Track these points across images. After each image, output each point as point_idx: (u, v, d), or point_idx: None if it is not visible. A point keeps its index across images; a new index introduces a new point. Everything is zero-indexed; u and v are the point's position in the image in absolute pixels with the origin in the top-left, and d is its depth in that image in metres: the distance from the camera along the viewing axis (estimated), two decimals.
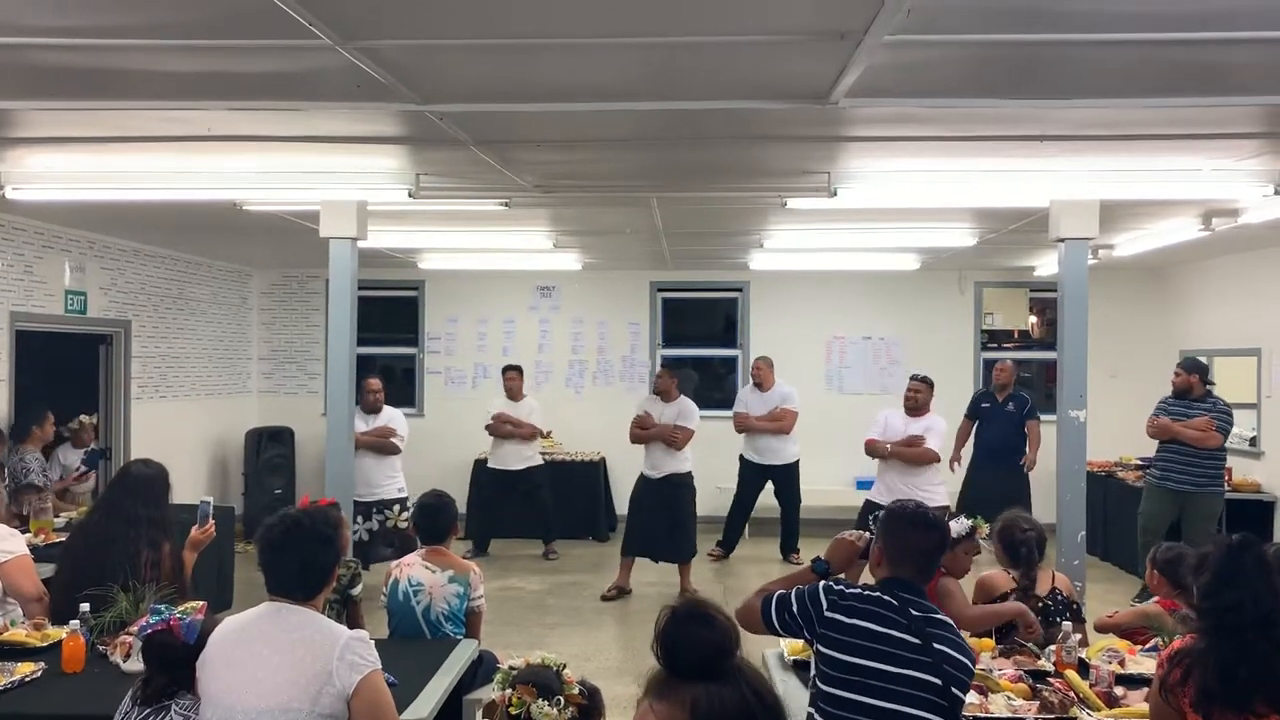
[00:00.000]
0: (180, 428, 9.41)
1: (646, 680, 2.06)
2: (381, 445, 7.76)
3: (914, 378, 7.39)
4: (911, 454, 7.08)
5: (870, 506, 7.12)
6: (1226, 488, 8.41)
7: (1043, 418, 8.45)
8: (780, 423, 8.98)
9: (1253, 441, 8.80)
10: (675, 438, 7.69)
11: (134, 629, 3.40)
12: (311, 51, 3.41)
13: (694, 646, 2.03)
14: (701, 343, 11.54)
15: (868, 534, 3.27)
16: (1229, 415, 7.51)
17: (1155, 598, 4.22)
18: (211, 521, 4.43)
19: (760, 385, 9.11)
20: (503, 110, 4.27)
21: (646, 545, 7.82)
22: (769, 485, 9.22)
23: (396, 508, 7.71)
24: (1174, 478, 7.44)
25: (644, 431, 7.82)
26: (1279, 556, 3.23)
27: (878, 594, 2.88)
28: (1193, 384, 7.52)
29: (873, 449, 7.22)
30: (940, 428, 7.24)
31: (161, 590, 3.80)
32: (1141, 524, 7.65)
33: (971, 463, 8.82)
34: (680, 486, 7.78)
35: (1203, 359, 9.81)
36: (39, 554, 5.19)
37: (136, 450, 8.12)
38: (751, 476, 9.20)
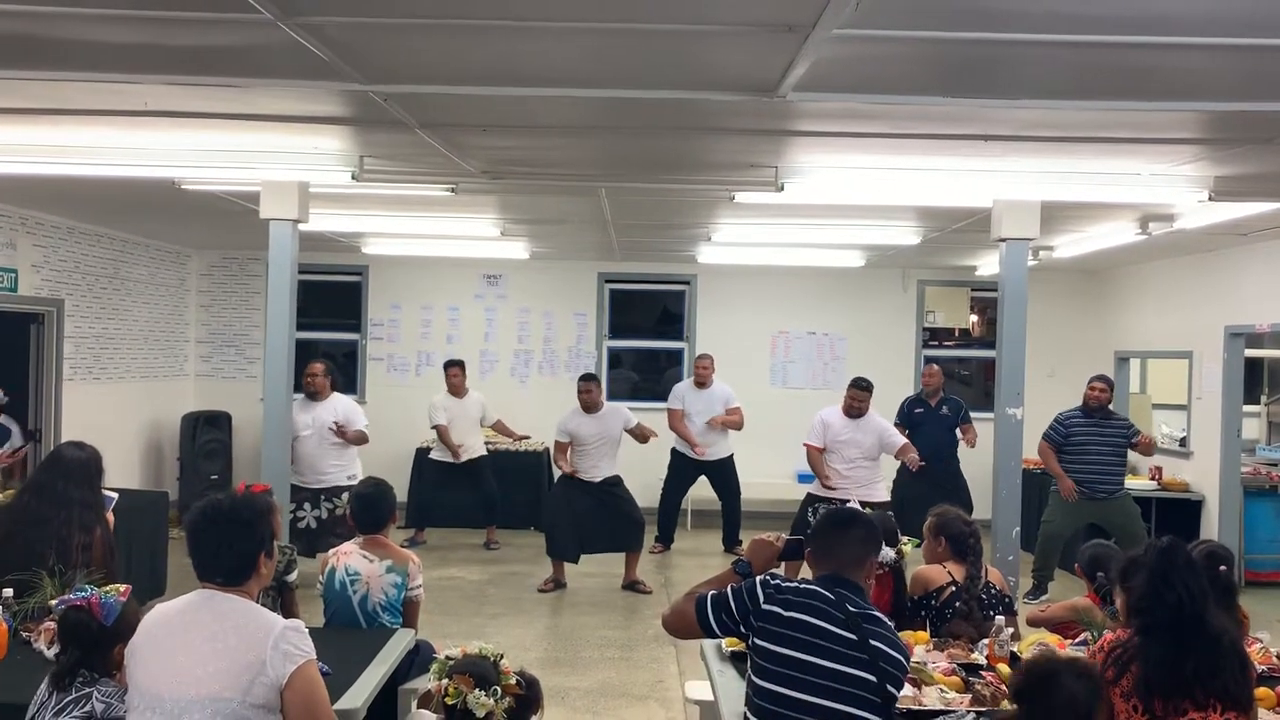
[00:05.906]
0: (114, 411, 9.17)
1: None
2: (346, 436, 7.60)
3: (862, 386, 7.31)
4: (915, 461, 7.28)
5: (811, 499, 7.20)
6: (1155, 485, 8.65)
7: (980, 415, 8.56)
8: (737, 417, 9.07)
9: (1183, 442, 9.00)
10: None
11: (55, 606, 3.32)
12: (252, 26, 3.33)
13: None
14: (648, 334, 11.53)
15: (784, 535, 3.37)
16: None
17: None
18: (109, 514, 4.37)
19: (704, 384, 9.14)
20: (449, 93, 4.21)
21: (586, 544, 7.76)
22: (701, 478, 9.25)
23: (346, 495, 7.57)
24: (1091, 487, 7.50)
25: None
26: (1205, 555, 3.38)
27: (814, 588, 2.91)
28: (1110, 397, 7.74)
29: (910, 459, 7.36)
30: (893, 428, 7.47)
31: (91, 575, 3.71)
32: (1047, 532, 7.63)
33: (903, 467, 8.74)
34: (619, 483, 7.80)
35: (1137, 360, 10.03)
36: None
37: (68, 433, 7.90)
38: (686, 470, 9.18)
